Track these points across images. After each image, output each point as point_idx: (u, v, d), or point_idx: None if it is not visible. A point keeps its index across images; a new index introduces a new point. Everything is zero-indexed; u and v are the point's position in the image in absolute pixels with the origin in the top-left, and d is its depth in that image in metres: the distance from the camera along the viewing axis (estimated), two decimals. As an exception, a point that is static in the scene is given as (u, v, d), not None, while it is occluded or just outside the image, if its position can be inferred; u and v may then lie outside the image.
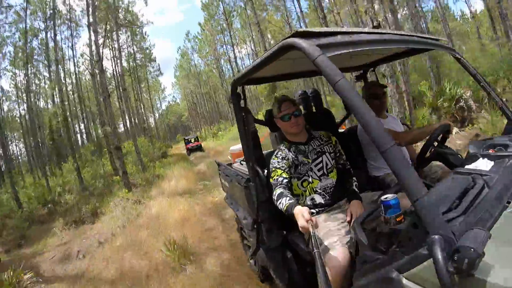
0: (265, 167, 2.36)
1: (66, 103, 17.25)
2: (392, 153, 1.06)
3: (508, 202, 1.23)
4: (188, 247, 4.04)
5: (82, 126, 28.56)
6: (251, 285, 3.15)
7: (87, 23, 16.98)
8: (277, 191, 1.98)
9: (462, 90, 9.47)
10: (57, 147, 18.33)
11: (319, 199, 2.16)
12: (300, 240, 2.14)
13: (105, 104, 10.43)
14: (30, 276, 4.40)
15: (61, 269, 5.02)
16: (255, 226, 2.47)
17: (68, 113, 16.00)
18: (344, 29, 1.46)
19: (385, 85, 2.86)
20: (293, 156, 2.18)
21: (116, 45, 23.03)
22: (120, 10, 21.02)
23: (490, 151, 1.76)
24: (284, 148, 2.21)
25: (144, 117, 35.25)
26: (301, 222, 1.60)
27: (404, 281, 1.09)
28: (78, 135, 28.16)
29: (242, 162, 3.55)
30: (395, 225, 1.21)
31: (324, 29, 1.40)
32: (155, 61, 33.06)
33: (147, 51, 29.97)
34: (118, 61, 22.45)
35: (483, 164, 1.59)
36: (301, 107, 2.82)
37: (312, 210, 2.12)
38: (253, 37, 25.62)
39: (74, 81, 24.25)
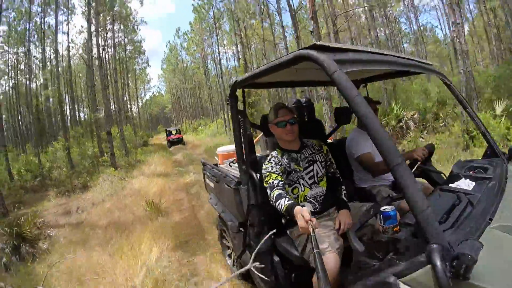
0: (258, 171, 2.35)
1: (57, 86, 18.32)
2: (400, 170, 1.13)
3: (490, 219, 1.33)
4: (161, 207, 5.71)
5: (68, 108, 29.13)
6: (200, 229, 4.81)
7: (85, 15, 18.32)
8: (275, 192, 2.01)
9: (404, 112, 11.32)
10: (43, 127, 19.45)
11: (309, 207, 2.19)
12: (288, 244, 2.19)
13: (103, 93, 11.96)
14: (42, 220, 5.95)
15: (63, 220, 6.55)
16: (241, 229, 2.57)
17: (57, 95, 17.06)
18: (353, 47, 1.53)
19: (379, 102, 2.96)
20: (286, 163, 2.24)
21: (110, 35, 24.18)
22: (116, 5, 22.29)
23: (471, 172, 1.90)
24: (277, 155, 2.26)
25: (128, 105, 35.96)
26: (301, 223, 1.62)
27: (401, 285, 1.14)
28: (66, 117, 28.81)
29: (231, 164, 3.52)
30: (392, 234, 1.29)
31: (338, 45, 1.46)
32: (144, 53, 34.03)
33: (137, 44, 31.02)
34: (109, 50, 23.59)
35: (465, 184, 1.72)
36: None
37: None
38: (237, 43, 26.93)
39: (64, 64, 25.10)
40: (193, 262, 3.76)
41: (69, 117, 28.52)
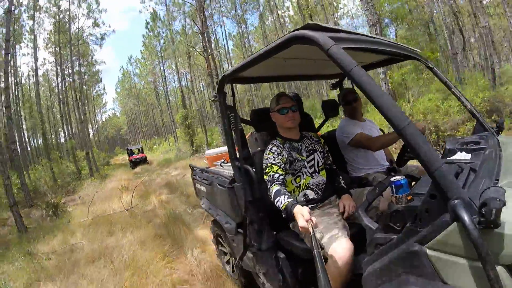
0: (253, 166, 2.30)
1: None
2: (409, 130, 1.11)
3: (497, 180, 1.35)
4: (128, 189, 10.72)
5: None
6: (146, 191, 9.89)
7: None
8: (274, 188, 1.99)
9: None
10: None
11: (312, 195, 2.23)
12: (293, 238, 2.15)
13: (81, 128, 16.76)
14: (63, 202, 10.69)
15: (72, 203, 11.31)
16: (239, 230, 2.56)
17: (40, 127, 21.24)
18: (343, 29, 1.53)
19: (355, 91, 3.00)
20: (288, 152, 2.23)
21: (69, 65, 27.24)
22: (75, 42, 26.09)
23: (465, 146, 1.90)
24: (278, 143, 2.25)
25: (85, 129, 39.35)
26: (301, 222, 1.61)
27: (428, 251, 1.12)
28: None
29: (222, 164, 3.50)
30: (407, 203, 1.30)
31: (330, 25, 1.45)
32: (101, 81, 38.04)
33: (95, 75, 35.06)
34: (68, 79, 26.76)
35: (462, 156, 1.73)
36: None
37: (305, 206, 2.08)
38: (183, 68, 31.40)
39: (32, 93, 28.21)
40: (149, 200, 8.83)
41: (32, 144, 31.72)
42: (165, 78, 34.15)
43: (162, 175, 15.08)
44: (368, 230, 1.42)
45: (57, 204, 9.53)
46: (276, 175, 2.07)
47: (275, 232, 2.28)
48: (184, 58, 28.12)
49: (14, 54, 22.84)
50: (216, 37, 31.44)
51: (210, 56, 12.81)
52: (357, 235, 1.83)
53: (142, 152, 26.80)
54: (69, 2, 24.83)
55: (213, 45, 26.40)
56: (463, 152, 1.79)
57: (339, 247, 1.73)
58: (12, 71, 24.17)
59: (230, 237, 2.85)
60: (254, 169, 2.26)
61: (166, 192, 10.16)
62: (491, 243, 0.97)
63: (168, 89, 36.23)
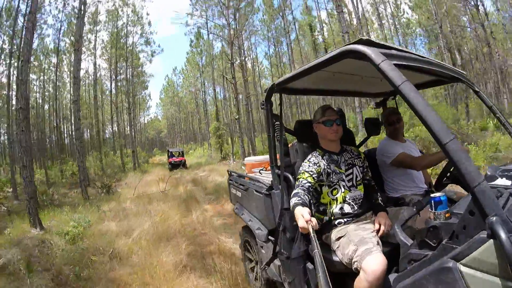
0: (293, 174, 2.37)
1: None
2: (452, 146, 1.13)
3: None
4: (163, 181, 13.70)
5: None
6: (178, 181, 12.80)
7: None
8: (295, 190, 2.04)
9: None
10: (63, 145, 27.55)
11: (348, 209, 2.22)
12: (324, 249, 2.11)
13: (130, 132, 20.29)
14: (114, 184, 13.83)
15: (121, 186, 14.41)
16: (269, 238, 2.62)
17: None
18: (395, 46, 1.59)
19: (399, 112, 3.04)
20: (326, 164, 2.24)
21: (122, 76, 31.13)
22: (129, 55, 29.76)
23: (506, 173, 1.84)
24: (318, 154, 2.29)
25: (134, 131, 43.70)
26: (301, 223, 1.65)
27: (462, 268, 1.12)
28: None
29: (261, 172, 3.55)
30: (445, 220, 1.32)
31: (382, 42, 1.51)
32: (147, 89, 42.34)
33: (143, 83, 39.20)
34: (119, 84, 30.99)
35: (503, 182, 1.66)
36: None
37: (341, 220, 2.19)
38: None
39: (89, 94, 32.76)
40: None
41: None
42: (204, 91, 37.51)
43: (192, 174, 18.12)
44: (403, 245, 1.46)
45: (109, 185, 12.62)
46: (304, 181, 2.10)
47: (306, 243, 2.26)
48: (220, 78, 30.87)
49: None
50: (253, 56, 34.51)
51: (238, 82, 15.97)
52: (388, 254, 1.81)
53: (183, 155, 26.58)
54: (127, 21, 29.00)
55: (249, 65, 29.64)
56: (504, 178, 1.72)
57: (373, 261, 1.71)
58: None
59: (260, 244, 2.82)
60: (292, 178, 2.33)
61: (191, 185, 13.22)
62: None
63: (207, 100, 39.65)
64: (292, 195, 2.01)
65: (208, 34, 28.26)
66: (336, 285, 2.01)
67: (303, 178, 2.14)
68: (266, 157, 3.52)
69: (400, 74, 1.29)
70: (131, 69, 30.79)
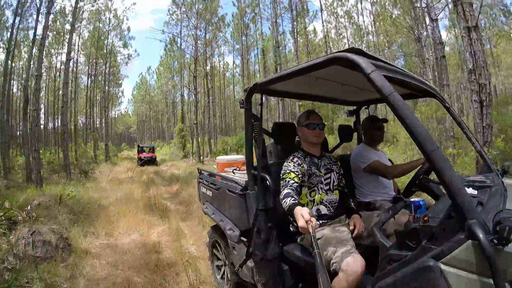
0: (270, 175, 2.37)
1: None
2: (436, 155, 1.21)
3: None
4: (131, 171, 17.05)
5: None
6: (160, 182, 16.24)
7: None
8: (285, 191, 2.06)
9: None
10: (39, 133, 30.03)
11: (324, 211, 2.30)
12: (300, 251, 2.20)
13: (105, 127, 23.41)
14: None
15: (94, 174, 17.55)
16: (242, 238, 2.60)
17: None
18: (381, 58, 1.63)
19: (386, 119, 3.17)
20: (307, 166, 2.32)
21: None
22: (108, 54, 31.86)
23: (471, 184, 1.94)
24: (300, 156, 2.37)
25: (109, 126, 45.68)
26: (301, 223, 1.64)
27: (443, 266, 1.21)
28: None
29: (234, 172, 3.49)
30: (424, 223, 1.40)
31: (371, 53, 1.54)
32: (121, 86, 44.78)
33: (117, 80, 41.62)
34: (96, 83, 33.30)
35: (470, 191, 1.73)
36: None
37: (317, 222, 2.06)
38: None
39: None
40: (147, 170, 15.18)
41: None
42: (174, 93, 40.53)
43: (155, 167, 21.46)
44: (382, 246, 1.50)
45: (87, 171, 15.84)
46: (291, 182, 2.14)
47: (280, 244, 2.28)
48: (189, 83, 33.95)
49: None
50: (221, 65, 38.01)
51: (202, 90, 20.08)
52: (362, 255, 1.84)
53: (153, 151, 26.33)
54: (108, 23, 31.71)
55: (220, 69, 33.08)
56: (470, 188, 1.78)
57: (353, 262, 1.76)
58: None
59: (232, 245, 2.79)
60: (269, 179, 2.33)
61: (153, 175, 16.64)
62: (500, 261, 1.05)
63: (177, 101, 42.42)
64: (283, 195, 2.02)
65: (180, 44, 31.47)
66: (308, 286, 2.16)
67: (289, 178, 2.17)
68: (238, 156, 3.74)
69: (389, 84, 1.35)
70: (108, 68, 33.20)
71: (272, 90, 2.68)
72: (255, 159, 2.45)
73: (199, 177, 3.94)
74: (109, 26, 31.89)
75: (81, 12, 26.67)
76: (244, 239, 2.57)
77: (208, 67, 28.82)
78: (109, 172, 16.73)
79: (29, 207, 5.93)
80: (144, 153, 24.98)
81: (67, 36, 23.20)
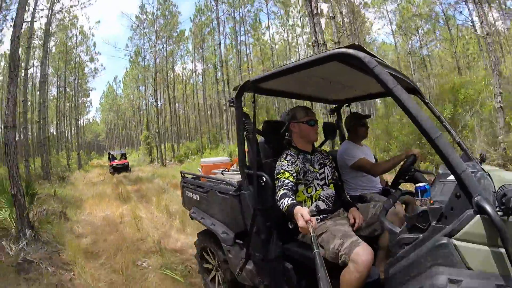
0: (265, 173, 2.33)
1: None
2: (441, 140, 1.30)
3: (494, 192, 1.48)
4: (102, 176, 19.97)
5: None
6: (127, 183, 19.23)
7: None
8: (281, 191, 2.04)
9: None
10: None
11: (323, 206, 2.32)
12: (303, 248, 2.19)
13: (77, 137, 26.05)
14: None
15: (70, 180, 20.32)
16: (237, 241, 2.54)
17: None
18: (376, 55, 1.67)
19: (368, 115, 3.31)
20: (301, 163, 2.31)
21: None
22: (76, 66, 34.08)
23: None
24: (293, 154, 2.33)
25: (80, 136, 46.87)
26: (300, 223, 1.64)
27: (455, 242, 1.27)
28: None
29: (223, 173, 3.32)
30: (431, 205, 1.47)
31: (368, 50, 1.58)
32: (89, 96, 46.50)
33: (85, 91, 43.50)
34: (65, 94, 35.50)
35: (452, 178, 1.77)
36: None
37: (317, 217, 2.25)
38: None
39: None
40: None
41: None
42: (139, 102, 43.02)
43: (124, 172, 24.26)
44: (392, 233, 1.55)
45: (64, 177, 18.65)
46: (286, 181, 2.12)
47: (281, 243, 2.25)
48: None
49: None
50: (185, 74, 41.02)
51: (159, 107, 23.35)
52: None
53: (125, 158, 25.42)
54: (76, 38, 33.96)
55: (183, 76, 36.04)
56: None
57: (362, 251, 1.78)
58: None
59: (227, 248, 2.66)
60: (264, 178, 2.27)
61: (122, 178, 19.69)
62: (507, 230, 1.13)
63: (144, 108, 44.32)
64: (280, 196, 2.01)
65: (144, 55, 34.21)
66: (312, 284, 2.14)
67: (284, 177, 2.16)
68: (222, 158, 3.73)
69: (392, 78, 1.39)
70: (77, 80, 35.10)
71: (262, 88, 2.61)
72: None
73: (183, 181, 3.78)
74: (76, 42, 34.15)
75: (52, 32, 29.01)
76: (240, 241, 2.54)
77: (171, 76, 31.95)
78: (83, 177, 19.57)
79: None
80: (116, 161, 24.21)
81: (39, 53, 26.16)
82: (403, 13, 24.15)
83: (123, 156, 25.58)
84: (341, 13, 22.17)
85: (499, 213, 1.20)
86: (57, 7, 26.50)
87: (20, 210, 5.16)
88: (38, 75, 31.69)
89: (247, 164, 2.47)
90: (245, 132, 2.40)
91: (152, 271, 4.17)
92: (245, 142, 2.49)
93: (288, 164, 2.25)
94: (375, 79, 1.45)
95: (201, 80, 38.95)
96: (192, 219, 3.45)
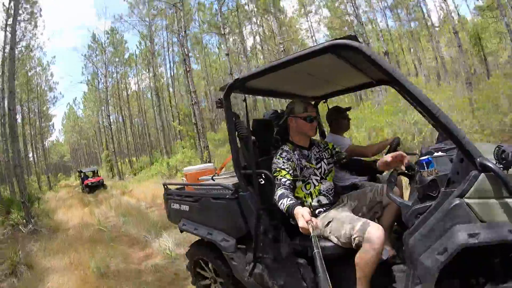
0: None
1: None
2: (442, 116, 1.41)
3: None
4: (71, 195, 24.30)
5: None
6: (92, 195, 23.66)
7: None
8: (279, 191, 2.03)
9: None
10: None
11: (324, 200, 2.32)
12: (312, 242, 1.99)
13: (45, 163, 30.01)
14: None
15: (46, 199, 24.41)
16: (239, 246, 2.44)
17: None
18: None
19: (349, 108, 3.34)
20: (297, 159, 2.27)
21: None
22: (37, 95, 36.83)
23: (437, 149, 2.19)
24: (288, 149, 2.28)
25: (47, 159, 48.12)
26: (301, 223, 1.65)
27: (467, 200, 1.38)
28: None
29: (213, 178, 3.12)
30: (437, 174, 1.58)
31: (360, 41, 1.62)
32: (51, 121, 48.54)
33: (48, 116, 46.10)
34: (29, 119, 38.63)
35: (439, 154, 2.01)
36: (274, 123, 2.87)
37: (320, 209, 2.28)
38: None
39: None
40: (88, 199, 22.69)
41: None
42: (99, 122, 45.42)
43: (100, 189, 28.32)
44: (404, 207, 1.64)
45: (39, 197, 22.67)
46: (284, 180, 2.10)
47: (290, 239, 2.22)
48: (115, 111, 40.51)
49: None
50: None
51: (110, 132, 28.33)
52: None
53: (99, 175, 23.87)
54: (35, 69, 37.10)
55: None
56: (439, 152, 2.00)
57: (375, 230, 1.82)
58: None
59: (229, 256, 2.50)
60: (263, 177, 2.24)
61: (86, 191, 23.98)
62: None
63: (106, 126, 46.90)
64: (278, 196, 2.00)
65: (99, 81, 37.07)
66: (331, 274, 1.90)
67: (281, 176, 2.12)
68: (205, 165, 3.63)
69: (392, 65, 1.47)
70: (39, 107, 37.79)
71: (249, 88, 2.40)
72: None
73: (166, 193, 3.41)
74: (35, 72, 37.35)
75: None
76: (242, 246, 2.43)
77: (125, 95, 36.28)
78: (55, 197, 23.71)
79: (27, 209, 13.71)
80: (89, 179, 22.54)
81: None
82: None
83: (96, 172, 23.89)
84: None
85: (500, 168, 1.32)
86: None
87: (27, 210, 9.94)
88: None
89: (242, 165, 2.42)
90: (237, 133, 2.36)
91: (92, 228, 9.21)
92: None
93: (283, 162, 2.20)
94: (374, 66, 1.50)
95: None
96: (182, 232, 3.21)
